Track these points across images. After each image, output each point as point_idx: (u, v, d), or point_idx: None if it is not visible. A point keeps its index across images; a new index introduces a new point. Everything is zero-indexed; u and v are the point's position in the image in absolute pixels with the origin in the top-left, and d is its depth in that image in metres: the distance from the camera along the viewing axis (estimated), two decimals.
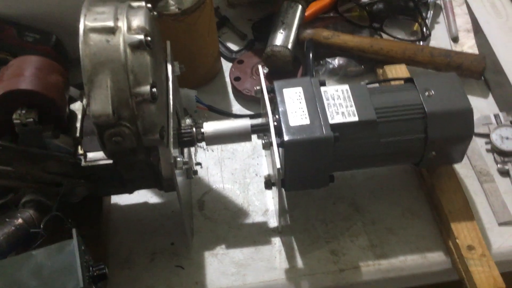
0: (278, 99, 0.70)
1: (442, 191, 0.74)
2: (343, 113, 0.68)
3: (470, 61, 0.89)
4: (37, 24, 0.86)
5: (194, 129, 0.70)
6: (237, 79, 0.94)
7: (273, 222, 0.77)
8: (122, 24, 0.56)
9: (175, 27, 0.83)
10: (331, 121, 0.67)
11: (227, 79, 0.96)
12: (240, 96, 0.93)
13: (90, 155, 0.64)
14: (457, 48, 0.96)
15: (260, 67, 0.76)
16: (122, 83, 0.54)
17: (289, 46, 0.91)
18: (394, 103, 0.69)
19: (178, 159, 0.62)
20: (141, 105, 0.55)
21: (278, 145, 0.66)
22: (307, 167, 0.70)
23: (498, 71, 0.92)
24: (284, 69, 0.91)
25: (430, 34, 0.96)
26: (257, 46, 1.00)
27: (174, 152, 0.64)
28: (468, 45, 0.96)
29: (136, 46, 0.55)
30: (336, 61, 0.93)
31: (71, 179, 0.64)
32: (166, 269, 0.73)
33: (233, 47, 1.02)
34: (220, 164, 0.85)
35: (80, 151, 0.64)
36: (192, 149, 0.86)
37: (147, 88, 0.55)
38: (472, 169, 0.81)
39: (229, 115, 0.87)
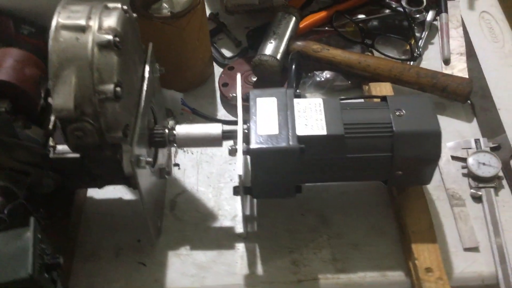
0: (251, 107, 0.71)
1: (408, 211, 0.75)
2: (312, 125, 0.69)
3: (456, 84, 0.89)
4: (33, 17, 0.89)
5: (166, 130, 0.72)
6: (225, 85, 0.95)
7: (241, 228, 0.78)
8: (94, 24, 0.58)
9: (165, 30, 0.85)
10: (298, 133, 0.68)
11: (217, 85, 0.98)
12: (227, 102, 0.94)
13: (60, 147, 0.66)
14: (447, 70, 0.96)
15: (238, 74, 0.77)
16: (86, 80, 0.56)
17: (278, 56, 0.92)
18: (364, 120, 0.69)
19: (141, 157, 0.63)
20: (104, 103, 0.57)
21: (244, 153, 0.67)
22: (273, 176, 0.71)
23: (486, 96, 0.92)
24: (272, 78, 0.93)
25: (420, 55, 0.96)
26: (250, 54, 1.02)
27: (141, 151, 0.65)
28: (458, 68, 0.96)
29: (103, 46, 0.56)
30: (324, 75, 0.94)
31: (40, 170, 0.66)
32: (129, 265, 0.75)
33: (227, 53, 1.04)
34: (197, 167, 0.86)
35: (51, 143, 0.66)
36: (173, 150, 0.88)
37: (111, 86, 0.57)
38: (445, 191, 0.81)
39: (211, 119, 0.89)
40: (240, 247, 0.77)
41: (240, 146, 0.67)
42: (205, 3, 1.10)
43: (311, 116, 0.70)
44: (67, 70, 0.56)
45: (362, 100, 0.77)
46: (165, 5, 0.88)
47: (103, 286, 0.73)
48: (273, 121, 0.69)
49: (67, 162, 0.65)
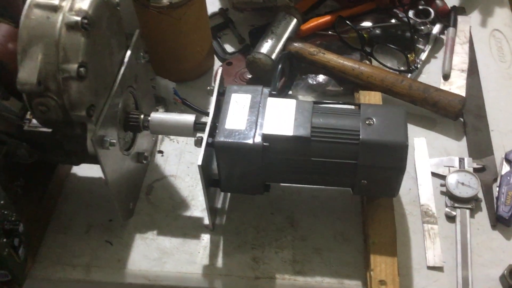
0: (225, 102, 0.73)
1: (373, 221, 0.74)
2: (280, 125, 0.69)
3: (447, 101, 0.87)
4: None
5: (142, 116, 0.74)
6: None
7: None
8: (66, 4, 0.60)
9: (161, 20, 0.87)
10: (264, 131, 0.69)
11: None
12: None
13: (35, 121, 0.69)
14: (445, 86, 0.94)
15: (220, 69, 0.78)
16: (52, 58, 0.59)
17: (273, 56, 0.93)
18: (333, 125, 0.69)
19: (106, 138, 0.65)
20: (68, 81, 0.60)
21: (209, 144, 0.69)
22: (238, 171, 0.72)
23: (480, 116, 0.90)
24: (265, 77, 0.93)
25: (417, 68, 0.94)
26: (251, 51, 1.02)
27: (108, 132, 0.68)
28: (457, 85, 0.94)
29: (71, 26, 0.59)
30: (317, 78, 0.93)
31: (15, 140, 0.69)
32: (97, 242, 0.78)
33: (230, 49, 1.05)
34: (180, 156, 0.88)
35: (28, 117, 0.69)
36: (160, 137, 0.90)
37: (74, 66, 0.59)
38: (419, 207, 0.80)
39: (196, 110, 0.90)
40: (205, 238, 0.78)
41: (205, 137, 0.69)
42: None
43: (281, 116, 0.70)
44: (34, 46, 0.59)
45: (339, 106, 0.77)
46: None
47: (70, 259, 0.76)
48: (243, 117, 0.70)
49: (40, 135, 0.68)
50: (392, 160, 0.68)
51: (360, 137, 0.68)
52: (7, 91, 0.67)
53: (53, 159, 0.76)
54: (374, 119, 0.69)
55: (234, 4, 1.05)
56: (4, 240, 0.64)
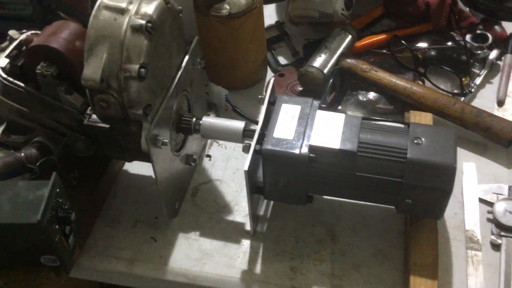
0: (275, 111, 0.74)
1: (415, 242, 0.73)
2: (327, 138, 0.70)
3: (500, 127, 0.85)
4: None
5: (194, 119, 0.77)
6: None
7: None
8: (133, 8, 0.64)
9: (220, 29, 0.91)
10: (312, 142, 0.70)
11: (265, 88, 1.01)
12: None
13: (94, 117, 0.72)
14: (499, 112, 0.92)
15: (272, 79, 0.80)
16: (115, 57, 0.62)
17: (325, 70, 0.94)
18: (380, 142, 0.70)
19: (159, 137, 0.68)
20: (129, 81, 0.63)
21: (256, 151, 0.70)
22: (283, 181, 0.73)
23: None
24: (315, 90, 0.94)
25: (471, 92, 0.93)
26: (304, 65, 1.04)
27: (162, 132, 0.70)
28: (511, 111, 0.92)
29: (136, 29, 0.62)
30: (367, 95, 0.94)
31: (74, 133, 0.73)
32: (141, 238, 0.80)
33: (283, 61, 1.07)
34: (227, 161, 0.90)
35: (88, 112, 0.73)
36: (209, 142, 0.93)
37: (136, 66, 0.62)
38: (464, 232, 0.78)
39: (246, 118, 0.92)
40: (246, 243, 0.79)
41: (253, 144, 0.70)
42: (274, 12, 1.15)
43: (329, 129, 0.71)
44: (100, 45, 0.62)
45: (387, 123, 0.77)
46: (226, 6, 0.93)
47: (115, 252, 0.79)
48: (291, 127, 0.72)
49: (98, 130, 0.72)
50: (439, 181, 0.67)
51: (408, 155, 0.68)
52: (71, 86, 0.71)
53: (108, 154, 0.80)
54: (423, 139, 0.69)
55: (291, 18, 1.07)
56: (57, 226, 0.68)
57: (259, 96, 0.77)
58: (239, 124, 0.75)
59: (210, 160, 0.91)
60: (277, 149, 0.70)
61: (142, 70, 0.63)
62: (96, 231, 0.82)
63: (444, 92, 0.93)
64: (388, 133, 0.71)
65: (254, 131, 0.75)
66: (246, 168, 0.68)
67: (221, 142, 0.93)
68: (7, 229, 0.65)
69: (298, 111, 0.74)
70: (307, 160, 0.69)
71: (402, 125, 0.78)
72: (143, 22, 0.62)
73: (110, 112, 0.65)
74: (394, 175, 0.69)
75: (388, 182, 0.69)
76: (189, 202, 0.85)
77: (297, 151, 0.69)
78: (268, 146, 0.70)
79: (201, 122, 0.76)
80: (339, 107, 0.95)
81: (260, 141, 0.71)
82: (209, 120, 0.76)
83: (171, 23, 0.69)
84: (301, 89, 0.98)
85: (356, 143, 0.69)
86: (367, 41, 1.02)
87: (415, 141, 0.69)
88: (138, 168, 0.89)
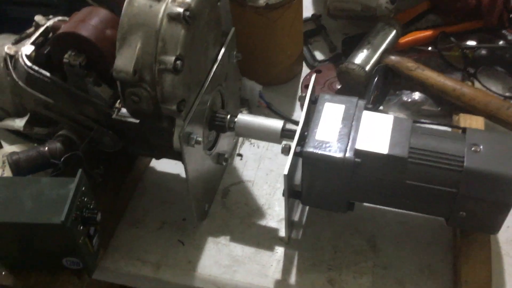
0: (318, 111, 0.69)
1: (467, 258, 0.67)
2: (374, 142, 0.65)
3: None
4: None
5: (228, 116, 0.71)
6: (307, 86, 0.92)
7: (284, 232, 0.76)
8: None
9: (257, 20, 0.85)
10: (357, 146, 0.64)
11: (301, 85, 0.96)
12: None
13: (123, 110, 0.67)
14: None
15: (313, 75, 0.74)
16: (150, 48, 0.57)
17: (367, 67, 0.88)
18: (433, 148, 0.64)
19: (192, 135, 0.63)
20: (163, 73, 0.58)
21: (297, 154, 0.65)
22: (323, 185, 0.67)
23: None
24: (356, 89, 0.88)
25: None
26: (342, 61, 0.98)
27: (195, 129, 0.65)
28: None
29: (173, 17, 0.57)
30: (412, 96, 0.88)
31: (102, 128, 0.69)
32: (169, 240, 0.76)
33: (320, 56, 1.01)
34: (259, 161, 0.85)
35: (117, 105, 0.68)
36: (240, 140, 0.87)
37: (171, 58, 0.57)
38: None
39: (282, 116, 0.87)
40: (279, 251, 0.74)
41: (293, 146, 0.65)
42: (311, 4, 1.09)
43: (377, 132, 0.65)
44: (134, 34, 0.57)
45: (440, 128, 0.71)
46: None
47: (140, 255, 0.75)
48: (335, 128, 0.66)
49: (127, 125, 0.67)
50: (498, 194, 0.61)
51: (465, 164, 0.61)
52: (100, 77, 0.66)
53: (135, 151, 0.75)
54: (481, 146, 0.63)
55: (330, 11, 1.01)
56: (81, 228, 0.63)
57: (300, 94, 0.71)
58: (277, 124, 0.70)
59: (241, 159, 0.85)
60: (319, 152, 0.64)
61: (178, 62, 0.57)
62: (120, 232, 0.77)
63: (496, 95, 0.86)
64: (442, 139, 0.65)
65: (293, 131, 0.69)
66: (286, 172, 0.62)
67: (253, 140, 0.88)
68: (28, 229, 0.61)
69: (342, 111, 0.68)
70: (351, 165, 0.63)
71: (453, 130, 0.72)
72: (181, 10, 0.57)
73: (141, 106, 0.61)
74: (449, 185, 0.62)
75: (440, 193, 0.63)
76: (219, 204, 0.80)
77: (341, 155, 0.63)
78: (309, 148, 0.64)
79: (236, 119, 0.71)
80: (381, 108, 0.89)
81: (300, 142, 0.66)
82: (245, 118, 0.71)
83: (209, 13, 0.63)
84: (339, 86, 0.92)
85: (407, 149, 0.63)
86: (411, 38, 0.95)
87: (473, 149, 0.63)
88: (165, 165, 0.84)
